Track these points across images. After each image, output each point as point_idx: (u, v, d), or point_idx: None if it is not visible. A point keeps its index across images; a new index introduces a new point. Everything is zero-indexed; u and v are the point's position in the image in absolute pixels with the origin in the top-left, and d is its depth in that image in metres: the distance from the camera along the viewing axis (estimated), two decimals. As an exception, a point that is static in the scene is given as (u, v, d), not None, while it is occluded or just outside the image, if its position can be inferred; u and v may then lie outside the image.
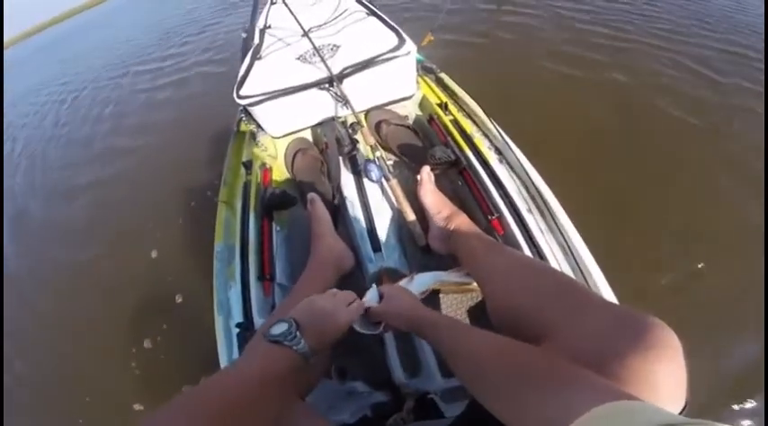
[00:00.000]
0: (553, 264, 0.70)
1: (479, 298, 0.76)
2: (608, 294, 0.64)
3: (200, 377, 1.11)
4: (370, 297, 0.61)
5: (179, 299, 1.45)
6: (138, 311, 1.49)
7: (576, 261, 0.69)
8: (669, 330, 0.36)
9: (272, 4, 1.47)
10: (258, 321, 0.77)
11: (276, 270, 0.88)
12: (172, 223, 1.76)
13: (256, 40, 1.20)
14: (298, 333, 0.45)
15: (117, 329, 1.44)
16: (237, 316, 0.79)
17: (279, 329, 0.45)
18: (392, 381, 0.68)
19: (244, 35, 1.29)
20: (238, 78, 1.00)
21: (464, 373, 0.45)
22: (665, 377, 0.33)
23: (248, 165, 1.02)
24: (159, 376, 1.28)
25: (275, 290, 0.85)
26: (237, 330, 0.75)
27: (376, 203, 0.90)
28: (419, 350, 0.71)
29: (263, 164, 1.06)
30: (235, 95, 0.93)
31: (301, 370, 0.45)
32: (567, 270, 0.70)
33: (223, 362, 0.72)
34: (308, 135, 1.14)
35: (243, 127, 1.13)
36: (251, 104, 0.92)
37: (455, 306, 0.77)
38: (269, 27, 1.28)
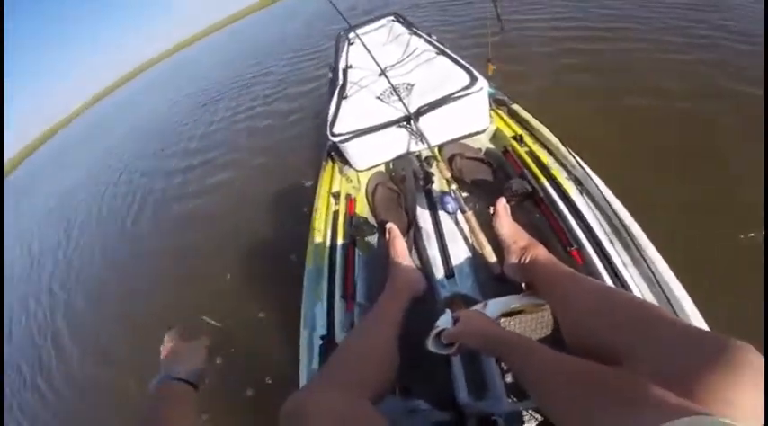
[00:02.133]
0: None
1: (551, 321, 0.75)
2: (701, 324, 0.61)
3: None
4: (444, 320, 0.65)
5: (261, 314, 1.58)
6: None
7: (664, 293, 0.66)
8: (755, 352, 0.35)
9: (350, 44, 1.65)
10: (339, 335, 0.86)
11: (357, 291, 0.98)
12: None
13: (340, 80, 1.36)
14: None
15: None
16: (321, 330, 0.88)
17: None
18: (456, 401, 0.70)
19: (330, 75, 1.47)
20: (330, 117, 1.14)
21: (538, 392, 0.47)
22: (744, 398, 0.32)
23: (336, 196, 1.15)
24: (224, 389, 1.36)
25: (355, 309, 0.94)
26: (321, 342, 0.85)
27: (450, 233, 0.95)
28: (486, 372, 0.72)
29: (348, 195, 1.18)
30: (328, 133, 1.07)
31: None
32: (655, 303, 0.67)
33: (303, 372, 0.81)
34: (384, 168, 1.24)
35: (329, 162, 1.27)
36: (342, 141, 1.04)
37: (526, 329, 0.77)
38: (350, 67, 1.44)
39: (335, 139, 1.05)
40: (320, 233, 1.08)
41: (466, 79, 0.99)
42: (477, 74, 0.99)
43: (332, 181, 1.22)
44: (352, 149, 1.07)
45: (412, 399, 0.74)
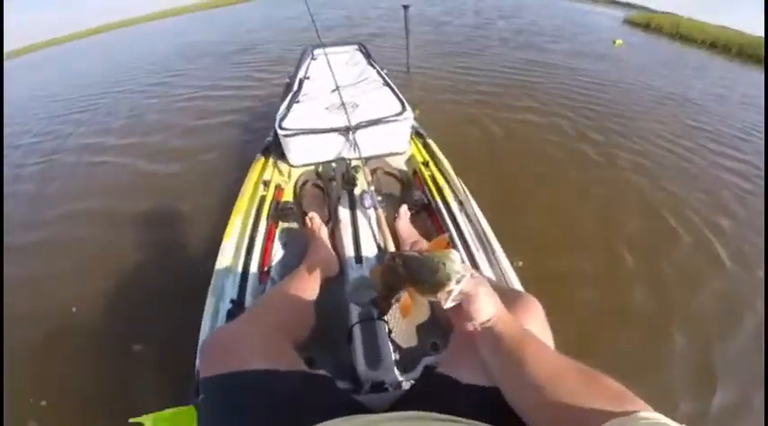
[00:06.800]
0: None
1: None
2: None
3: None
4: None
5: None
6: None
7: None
8: None
9: (312, 59, 1.86)
10: (249, 301, 0.93)
11: (272, 268, 1.08)
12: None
13: (295, 87, 1.54)
14: None
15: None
16: (230, 297, 0.93)
17: None
18: (355, 371, 0.78)
19: (287, 80, 1.64)
20: (280, 114, 1.30)
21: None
22: None
23: (267, 183, 1.29)
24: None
25: (268, 283, 1.04)
26: (230, 306, 0.91)
27: (363, 227, 1.14)
28: (381, 348, 0.80)
29: (278, 185, 1.32)
30: (277, 126, 1.22)
31: None
32: None
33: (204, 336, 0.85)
34: (313, 169, 1.38)
35: (262, 158, 1.38)
36: (288, 135, 1.21)
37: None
38: (307, 78, 1.63)
39: (282, 132, 1.21)
40: (242, 212, 1.17)
41: (398, 108, 1.26)
42: (407, 106, 1.27)
43: (262, 173, 1.34)
44: (294, 144, 1.24)
45: (314, 369, 0.79)
